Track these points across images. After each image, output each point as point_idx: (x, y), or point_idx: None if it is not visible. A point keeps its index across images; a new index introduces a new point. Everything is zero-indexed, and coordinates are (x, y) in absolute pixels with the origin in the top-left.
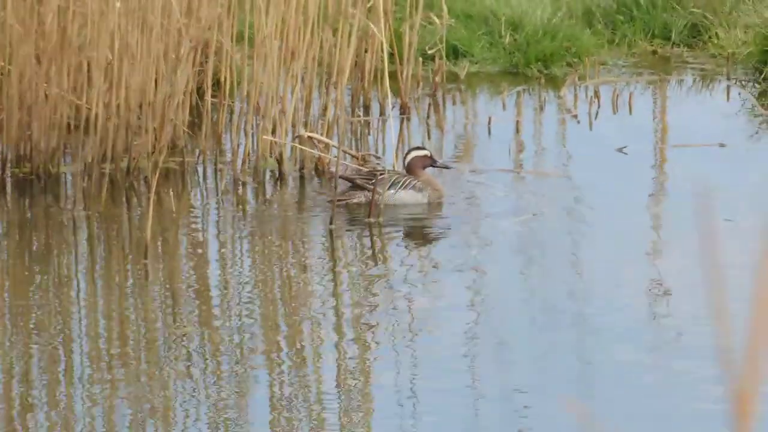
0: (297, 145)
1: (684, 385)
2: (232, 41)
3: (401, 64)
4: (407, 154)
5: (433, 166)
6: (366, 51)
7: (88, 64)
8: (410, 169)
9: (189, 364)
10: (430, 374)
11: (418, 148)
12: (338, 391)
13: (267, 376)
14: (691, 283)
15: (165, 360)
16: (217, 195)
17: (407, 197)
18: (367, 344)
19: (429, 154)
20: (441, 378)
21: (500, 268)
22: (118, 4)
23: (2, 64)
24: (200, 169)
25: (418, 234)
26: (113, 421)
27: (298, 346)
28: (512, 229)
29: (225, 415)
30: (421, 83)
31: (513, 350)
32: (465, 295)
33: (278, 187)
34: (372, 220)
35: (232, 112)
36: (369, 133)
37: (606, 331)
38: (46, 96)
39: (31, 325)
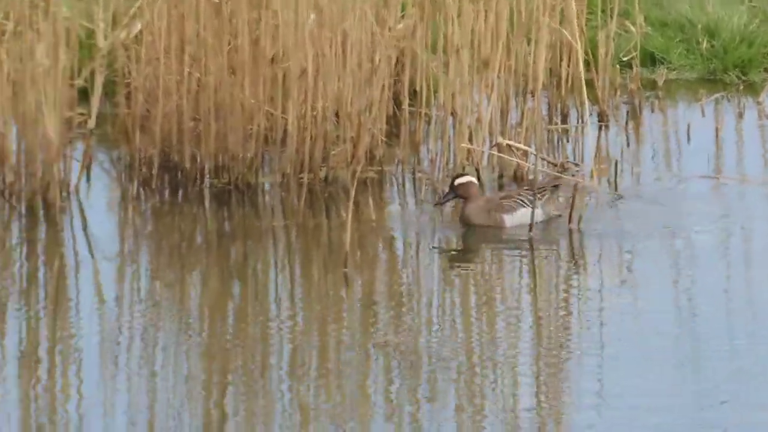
0: (495, 153)
1: None
2: (426, 50)
3: (597, 72)
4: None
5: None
6: (562, 59)
7: (284, 75)
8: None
9: (389, 373)
10: (625, 381)
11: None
12: (534, 401)
13: (464, 386)
14: None
15: (365, 370)
16: (416, 203)
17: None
18: (566, 353)
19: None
20: (634, 385)
21: (701, 279)
22: (312, 16)
23: (198, 75)
24: (398, 178)
25: (619, 241)
26: None
27: (495, 355)
28: (715, 237)
29: (421, 423)
30: (618, 91)
31: (710, 364)
32: (664, 304)
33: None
34: (573, 227)
35: (429, 121)
36: (567, 141)
37: None
38: (242, 107)
39: (229, 336)
